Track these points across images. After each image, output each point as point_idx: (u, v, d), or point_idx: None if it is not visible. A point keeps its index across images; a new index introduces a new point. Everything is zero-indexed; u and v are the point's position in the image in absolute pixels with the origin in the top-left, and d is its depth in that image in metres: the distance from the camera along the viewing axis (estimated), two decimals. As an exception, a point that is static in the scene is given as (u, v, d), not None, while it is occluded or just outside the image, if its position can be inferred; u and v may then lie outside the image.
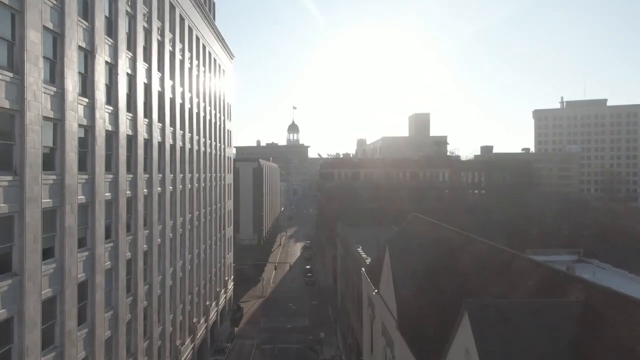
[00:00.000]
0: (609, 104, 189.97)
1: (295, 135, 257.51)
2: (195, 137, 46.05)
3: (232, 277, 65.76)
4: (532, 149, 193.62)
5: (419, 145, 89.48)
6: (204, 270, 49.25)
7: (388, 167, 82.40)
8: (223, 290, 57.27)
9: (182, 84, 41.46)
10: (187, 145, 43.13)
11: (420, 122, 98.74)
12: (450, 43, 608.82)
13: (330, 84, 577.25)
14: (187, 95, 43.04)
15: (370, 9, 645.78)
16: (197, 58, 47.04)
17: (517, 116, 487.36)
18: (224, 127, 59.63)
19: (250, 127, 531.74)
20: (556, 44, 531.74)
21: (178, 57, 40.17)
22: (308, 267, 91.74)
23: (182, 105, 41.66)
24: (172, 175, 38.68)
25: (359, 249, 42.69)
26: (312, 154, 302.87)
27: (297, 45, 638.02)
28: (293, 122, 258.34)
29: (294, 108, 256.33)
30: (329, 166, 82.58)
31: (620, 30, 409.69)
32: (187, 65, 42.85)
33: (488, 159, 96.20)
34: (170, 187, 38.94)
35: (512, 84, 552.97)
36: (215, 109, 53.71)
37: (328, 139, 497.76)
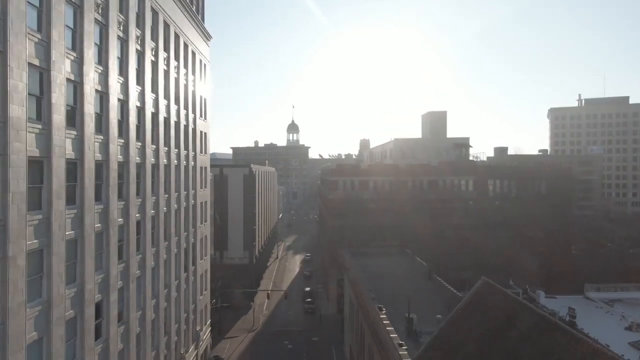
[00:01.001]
0: (630, 101, 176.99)
1: (295, 135, 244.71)
2: (151, 147, 33.37)
3: (208, 323, 52.77)
4: (547, 151, 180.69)
5: (436, 148, 76.70)
6: (165, 325, 36.60)
7: (402, 174, 69.63)
8: (193, 347, 44.39)
9: (122, 72, 28.75)
10: (135, 159, 30.46)
11: (436, 122, 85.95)
12: (453, 42, 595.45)
13: (332, 84, 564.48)
14: (133, 89, 30.32)
15: (372, 8, 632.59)
16: (154, 38, 34.34)
17: (522, 116, 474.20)
18: (196, 130, 46.92)
19: (249, 128, 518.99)
20: (567, 41, 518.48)
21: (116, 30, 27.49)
22: (307, 289, 79.16)
23: (124, 103, 28.96)
24: (119, 203, 26.10)
25: (383, 315, 29.80)
26: (312, 154, 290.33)
27: (298, 45, 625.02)
28: (292, 121, 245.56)
29: (293, 107, 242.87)
30: (332, 174, 69.85)
31: (634, 27, 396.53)
32: (132, 45, 30.10)
33: (519, 164, 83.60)
34: (119, 220, 26.49)
35: (517, 83, 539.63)
36: (180, 106, 40.98)
37: (329, 140, 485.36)
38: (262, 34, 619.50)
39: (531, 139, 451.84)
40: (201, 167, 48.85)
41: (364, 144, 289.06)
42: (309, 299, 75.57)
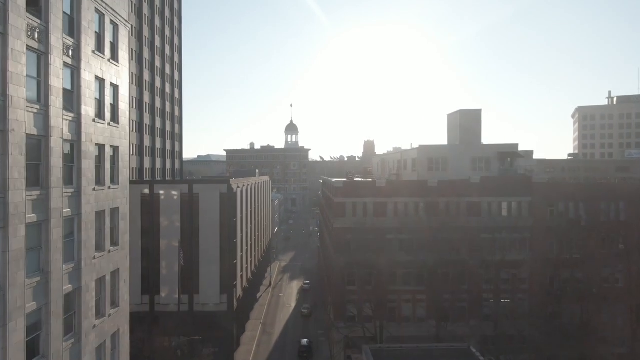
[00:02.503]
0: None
1: (294, 137, 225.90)
2: None
3: None
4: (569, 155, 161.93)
5: (471, 158, 58.03)
6: None
7: (432, 194, 50.93)
8: None
9: None
10: None
11: (468, 123, 67.39)
12: (456, 41, 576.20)
13: (332, 84, 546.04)
14: None
15: (373, 7, 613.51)
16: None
17: (528, 117, 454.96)
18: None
19: (248, 130, 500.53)
20: (574, 40, 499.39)
21: None
22: (304, 343, 60.71)
23: None
24: None
25: None
26: (313, 156, 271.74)
27: (298, 45, 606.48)
28: (291, 121, 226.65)
29: (291, 106, 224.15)
30: (338, 193, 51.46)
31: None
32: None
33: (586, 181, 65.35)
34: None
35: (523, 84, 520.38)
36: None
37: (331, 142, 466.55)
38: (261, 35, 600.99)
39: (538, 140, 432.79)
40: (104, 146, 28.87)
41: (369, 145, 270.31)
42: (306, 354, 57.85)
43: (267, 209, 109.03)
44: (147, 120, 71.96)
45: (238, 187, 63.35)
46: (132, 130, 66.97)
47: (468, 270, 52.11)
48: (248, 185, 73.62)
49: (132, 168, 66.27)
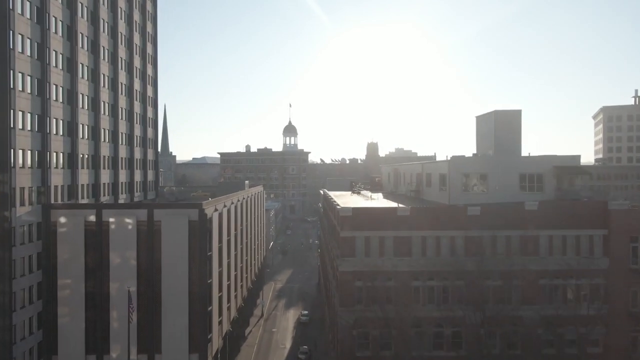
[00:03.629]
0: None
1: (292, 139, 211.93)
2: None
3: None
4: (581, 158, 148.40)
5: (519, 175, 43.98)
6: None
7: (473, 225, 36.96)
8: None
9: None
10: None
11: (505, 127, 53.59)
12: (457, 41, 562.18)
13: (332, 85, 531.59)
14: None
15: (373, 7, 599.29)
16: None
17: (529, 117, 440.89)
18: None
19: (247, 132, 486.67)
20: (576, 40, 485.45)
21: None
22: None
23: None
24: None
25: None
26: (313, 159, 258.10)
27: (297, 45, 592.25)
28: (290, 123, 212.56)
29: (290, 106, 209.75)
30: (346, 224, 37.64)
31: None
32: None
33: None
34: None
35: (523, 83, 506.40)
36: None
37: (330, 144, 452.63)
38: (260, 35, 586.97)
39: (538, 140, 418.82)
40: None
41: (372, 147, 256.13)
42: None
43: (260, 224, 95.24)
44: (105, 124, 58.07)
45: (216, 210, 49.45)
46: (84, 137, 53.13)
47: (521, 330, 38.35)
48: (233, 204, 59.82)
49: (81, 185, 52.40)
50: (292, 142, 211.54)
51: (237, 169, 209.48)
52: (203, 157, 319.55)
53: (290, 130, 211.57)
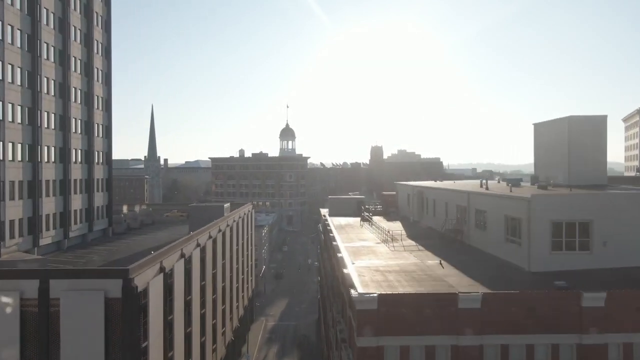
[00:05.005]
0: None
1: (290, 143, 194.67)
2: None
3: None
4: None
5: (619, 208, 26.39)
6: None
7: (591, 324, 18.80)
8: None
9: None
10: None
11: (584, 140, 36.68)
12: (458, 42, 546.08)
13: (332, 87, 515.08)
14: None
15: (373, 7, 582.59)
16: None
17: (531, 117, 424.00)
18: None
19: (242, 135, 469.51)
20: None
21: None
22: None
23: None
24: None
25: None
26: (313, 161, 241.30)
27: (297, 47, 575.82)
28: (287, 125, 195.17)
29: (287, 107, 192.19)
30: (366, 324, 19.49)
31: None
32: None
33: None
34: None
35: (523, 83, 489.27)
36: None
37: (330, 147, 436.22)
38: (259, 36, 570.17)
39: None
40: None
41: (376, 151, 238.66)
42: None
43: (248, 251, 78.21)
44: (15, 134, 40.92)
45: (161, 270, 32.30)
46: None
47: None
48: (199, 246, 42.78)
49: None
50: (290, 147, 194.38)
51: (229, 175, 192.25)
52: (196, 161, 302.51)
53: (287, 133, 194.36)
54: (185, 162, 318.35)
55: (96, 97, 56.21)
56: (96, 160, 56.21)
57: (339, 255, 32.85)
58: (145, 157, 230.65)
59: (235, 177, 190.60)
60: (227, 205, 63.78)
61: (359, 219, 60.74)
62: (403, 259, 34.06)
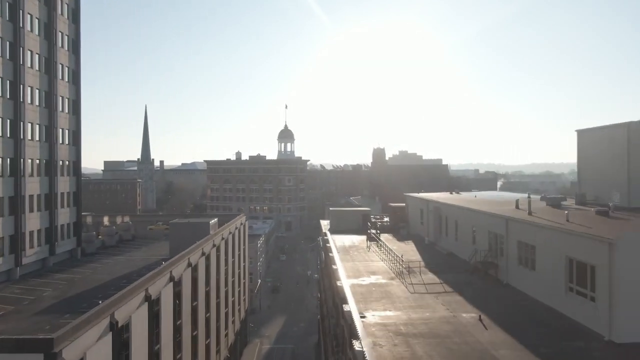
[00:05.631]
0: None
1: (289, 145, 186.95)
2: None
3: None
4: None
5: None
6: None
7: None
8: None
9: None
10: None
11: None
12: (458, 41, 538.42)
13: (331, 88, 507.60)
14: None
15: (373, 7, 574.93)
16: None
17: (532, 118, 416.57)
18: None
19: (240, 137, 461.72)
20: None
21: None
22: None
23: None
24: None
25: None
26: (313, 162, 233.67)
27: (297, 47, 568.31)
28: (286, 127, 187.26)
29: (286, 107, 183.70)
30: None
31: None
32: None
33: None
34: None
35: (523, 83, 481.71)
36: None
37: (330, 149, 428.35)
38: (259, 36, 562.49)
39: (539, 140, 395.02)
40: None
41: (378, 153, 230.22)
42: None
43: (239, 270, 70.37)
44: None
45: (110, 329, 24.41)
46: None
47: None
48: (174, 279, 34.91)
49: None
50: (289, 149, 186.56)
51: (225, 179, 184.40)
52: (193, 163, 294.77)
53: (286, 135, 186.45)
54: (182, 163, 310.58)
55: (60, 98, 48.36)
56: (60, 172, 48.35)
57: (345, 308, 24.92)
58: (138, 159, 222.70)
59: (232, 180, 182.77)
60: (213, 221, 55.84)
61: (364, 237, 52.96)
62: (429, 309, 26.21)
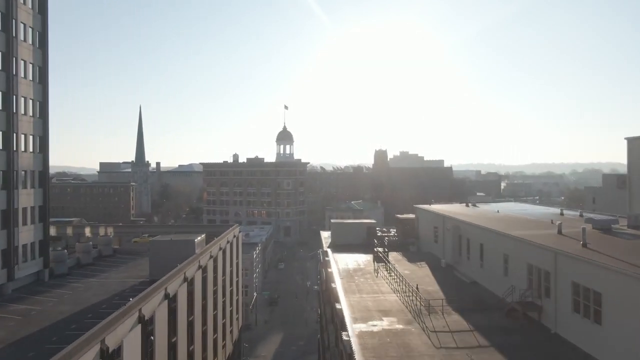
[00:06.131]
0: None
1: (288, 147, 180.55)
2: None
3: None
4: None
5: None
6: None
7: None
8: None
9: None
10: None
11: None
12: (458, 41, 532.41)
13: (331, 89, 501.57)
14: None
15: (373, 7, 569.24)
16: None
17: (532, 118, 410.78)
18: None
19: (238, 139, 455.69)
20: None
21: None
22: None
23: None
24: None
25: None
26: (311, 168, 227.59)
27: (296, 48, 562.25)
28: (285, 128, 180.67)
29: (286, 108, 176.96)
30: None
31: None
32: None
33: None
34: None
35: (523, 83, 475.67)
36: None
37: (330, 151, 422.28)
38: (258, 36, 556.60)
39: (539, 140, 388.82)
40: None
41: (380, 155, 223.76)
42: None
43: (231, 288, 64.13)
44: None
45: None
46: None
47: None
48: (144, 318, 28.69)
49: None
50: (288, 151, 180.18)
51: (222, 182, 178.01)
52: (190, 165, 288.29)
53: (285, 136, 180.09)
54: (179, 165, 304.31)
55: (22, 99, 42.10)
56: (22, 184, 42.08)
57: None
58: (132, 161, 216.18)
59: (229, 184, 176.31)
60: (199, 238, 49.48)
61: (370, 257, 46.72)
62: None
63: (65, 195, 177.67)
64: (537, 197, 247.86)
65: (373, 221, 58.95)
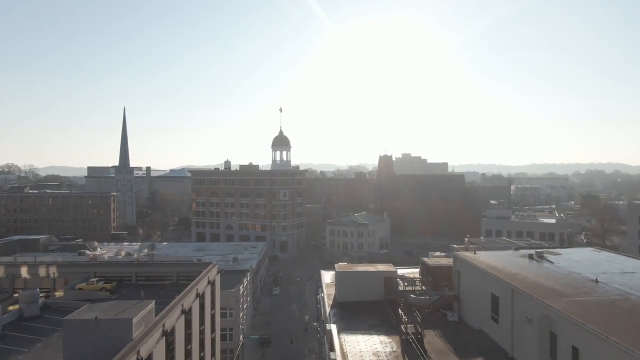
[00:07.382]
0: None
1: (284, 153, 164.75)
2: None
3: None
4: None
5: None
6: None
7: None
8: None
9: None
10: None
11: None
12: (459, 41, 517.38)
13: (331, 90, 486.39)
14: None
15: (373, 7, 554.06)
16: None
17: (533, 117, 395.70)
18: None
19: (236, 144, 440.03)
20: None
21: None
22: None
23: None
24: None
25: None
26: (310, 175, 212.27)
27: (296, 49, 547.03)
28: (281, 132, 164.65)
29: (281, 110, 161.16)
30: None
31: None
32: None
33: None
34: None
35: (524, 83, 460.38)
36: None
37: (331, 154, 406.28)
38: (258, 36, 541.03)
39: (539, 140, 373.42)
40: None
41: (385, 161, 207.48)
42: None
43: (202, 353, 48.56)
44: None
45: None
46: None
47: None
48: None
49: None
50: (284, 157, 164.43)
51: (212, 191, 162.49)
52: (182, 169, 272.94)
53: (281, 142, 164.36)
54: (170, 170, 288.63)
55: None
56: None
57: None
58: (114, 167, 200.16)
59: (220, 193, 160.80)
60: (143, 313, 33.80)
61: (395, 340, 31.38)
62: None
63: (41, 206, 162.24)
64: (553, 206, 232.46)
65: (392, 270, 43.56)
